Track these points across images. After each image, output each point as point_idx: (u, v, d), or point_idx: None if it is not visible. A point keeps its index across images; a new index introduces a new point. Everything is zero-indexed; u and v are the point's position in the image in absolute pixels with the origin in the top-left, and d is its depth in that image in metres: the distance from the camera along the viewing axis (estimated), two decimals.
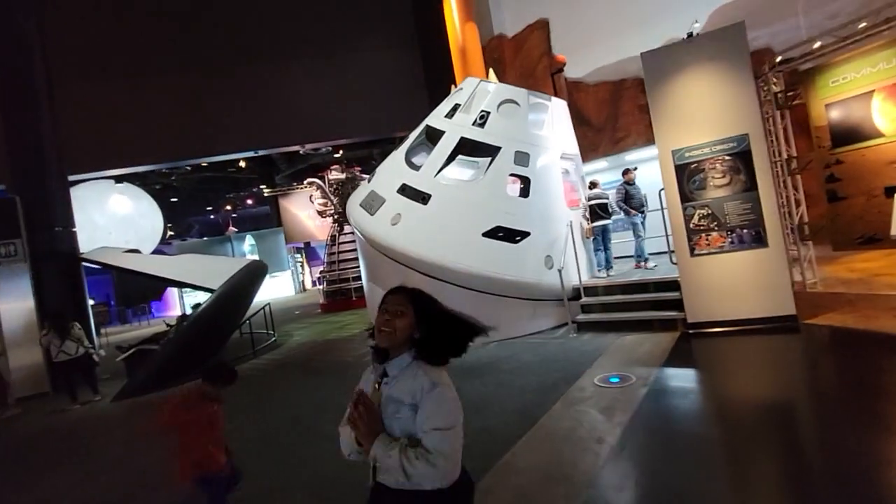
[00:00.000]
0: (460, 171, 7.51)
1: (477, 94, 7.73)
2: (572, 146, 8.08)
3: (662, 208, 6.08)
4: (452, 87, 13.79)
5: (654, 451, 3.14)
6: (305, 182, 15.96)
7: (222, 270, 8.95)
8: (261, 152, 20.97)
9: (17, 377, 8.26)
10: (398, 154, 8.11)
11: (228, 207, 33.73)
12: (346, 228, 15.52)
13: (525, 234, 6.90)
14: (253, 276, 9.61)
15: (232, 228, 32.33)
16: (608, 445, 3.21)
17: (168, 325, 10.16)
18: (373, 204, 7.62)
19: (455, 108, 7.77)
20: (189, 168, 24.43)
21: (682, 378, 4.49)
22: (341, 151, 25.30)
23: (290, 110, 19.18)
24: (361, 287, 14.82)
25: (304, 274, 30.17)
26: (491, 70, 12.87)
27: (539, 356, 5.74)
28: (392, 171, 7.91)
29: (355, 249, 15.28)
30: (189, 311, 10.02)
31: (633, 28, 12.81)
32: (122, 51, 17.51)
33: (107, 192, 20.11)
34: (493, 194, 7.02)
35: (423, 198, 7.13)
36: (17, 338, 8.48)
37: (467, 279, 6.72)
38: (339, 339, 9.78)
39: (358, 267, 14.96)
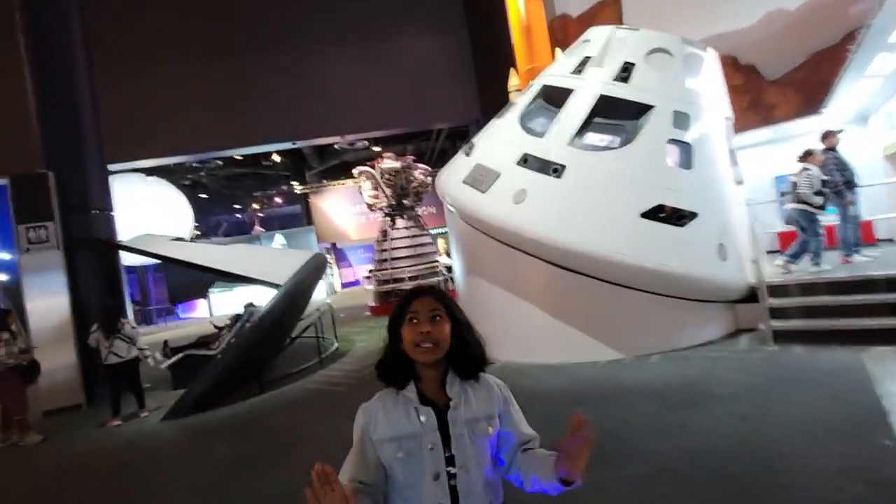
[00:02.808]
0: (598, 136, 5.98)
1: (612, 43, 6.21)
2: (728, 110, 6.51)
3: None
4: (513, 70, 12.31)
5: None
6: (356, 171, 14.56)
7: (285, 263, 7.55)
8: (298, 143, 19.77)
9: (44, 386, 6.81)
10: (507, 120, 6.62)
11: (255, 206, 32.69)
12: (399, 223, 14.10)
13: (692, 216, 5.33)
14: (317, 271, 8.20)
15: (258, 227, 31.26)
16: None
17: (217, 327, 8.79)
18: (482, 179, 6.12)
19: (584, 62, 6.26)
20: (220, 162, 23.35)
21: None
22: (380, 147, 24.04)
23: (328, 100, 17.90)
24: None
25: (333, 275, 28.88)
26: (558, 50, 11.35)
27: (756, 377, 4.15)
28: (504, 139, 6.42)
29: (410, 246, 13.87)
30: (241, 312, 8.64)
31: (717, 3, 11.25)
32: (159, 38, 16.47)
33: (136, 184, 19.02)
34: (650, 164, 5.48)
35: (554, 170, 5.62)
36: (45, 337, 7.12)
37: (622, 273, 5.18)
38: None
39: (414, 266, 13.53)
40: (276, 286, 7.00)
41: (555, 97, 6.37)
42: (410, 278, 13.26)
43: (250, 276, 7.13)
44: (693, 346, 5.35)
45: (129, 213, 17.37)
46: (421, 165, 14.87)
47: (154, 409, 6.36)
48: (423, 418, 1.16)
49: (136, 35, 16.00)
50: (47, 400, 6.95)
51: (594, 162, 5.58)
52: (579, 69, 6.25)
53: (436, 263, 13.95)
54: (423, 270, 13.61)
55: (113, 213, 8.16)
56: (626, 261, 5.09)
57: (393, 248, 13.76)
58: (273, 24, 17.54)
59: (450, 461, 1.14)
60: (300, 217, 30.29)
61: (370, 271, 14.78)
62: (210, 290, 23.42)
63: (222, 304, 22.77)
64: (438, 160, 26.74)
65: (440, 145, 26.74)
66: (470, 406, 1.19)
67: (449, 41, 18.93)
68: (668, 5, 12.37)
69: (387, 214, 14.33)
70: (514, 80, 11.89)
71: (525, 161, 5.90)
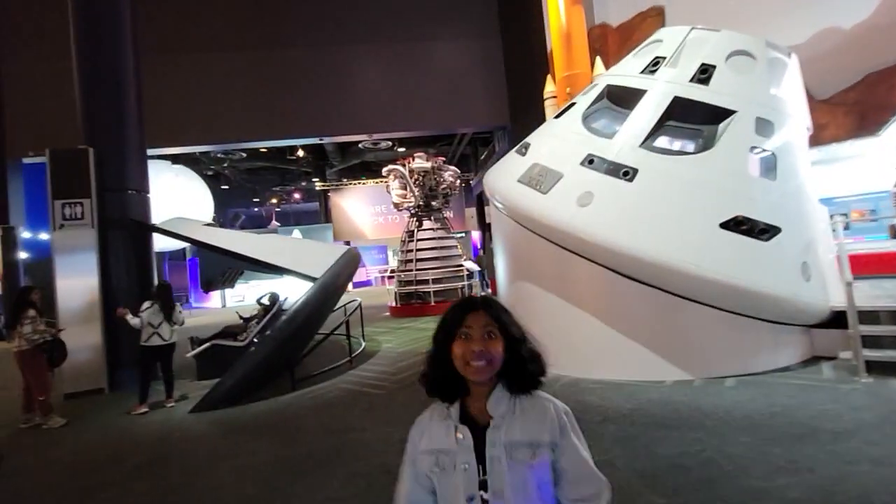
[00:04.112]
0: (669, 140, 5.61)
1: (688, 44, 5.87)
2: (808, 120, 6.12)
3: None
4: (549, 77, 12.00)
5: None
6: (386, 169, 14.31)
7: (320, 256, 7.25)
8: (325, 139, 19.66)
9: (66, 368, 6.37)
10: (568, 120, 6.29)
11: (274, 200, 32.64)
12: (426, 224, 13.79)
13: (774, 230, 4.93)
14: (352, 266, 7.89)
15: (275, 222, 31.18)
16: None
17: (243, 317, 8.51)
18: (542, 179, 5.78)
19: (656, 62, 5.92)
20: (244, 154, 23.29)
21: None
22: (404, 148, 23.84)
23: (359, 99, 17.84)
24: (442, 291, 13.08)
25: None
26: (598, 59, 11.01)
27: (863, 412, 3.71)
28: (565, 139, 6.08)
29: (435, 248, 13.54)
30: (265, 302, 8.35)
31: (767, 19, 10.88)
32: (200, 30, 16.55)
33: (162, 171, 18.92)
34: (731, 172, 5.10)
35: (625, 173, 5.26)
36: (72, 317, 6.87)
37: (697, 286, 4.79)
38: None
39: (438, 268, 13.18)
40: (312, 279, 6.69)
41: (622, 98, 6.04)
42: (434, 280, 12.92)
43: (287, 267, 6.81)
44: (768, 372, 4.93)
45: (153, 199, 17.34)
46: (451, 167, 14.58)
47: (179, 398, 6.07)
48: (459, 436, 1.12)
49: (176, 26, 16.06)
50: (69, 382, 6.70)
51: (670, 166, 5.22)
52: (651, 70, 5.91)
53: (460, 267, 13.60)
54: (448, 273, 13.27)
55: (149, 195, 7.93)
56: (704, 274, 4.70)
57: (418, 250, 13.44)
58: (309, 23, 17.54)
59: (485, 485, 1.08)
60: (317, 214, 30.17)
61: (392, 271, 14.48)
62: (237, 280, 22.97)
63: (236, 296, 22.56)
64: (459, 165, 26.55)
65: (461, 150, 26.54)
66: (513, 428, 1.10)
67: (481, 46, 18.77)
68: (714, 19, 11.99)
69: (413, 215, 14.03)
70: (549, 87, 11.57)
71: (591, 162, 5.55)
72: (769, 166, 5.21)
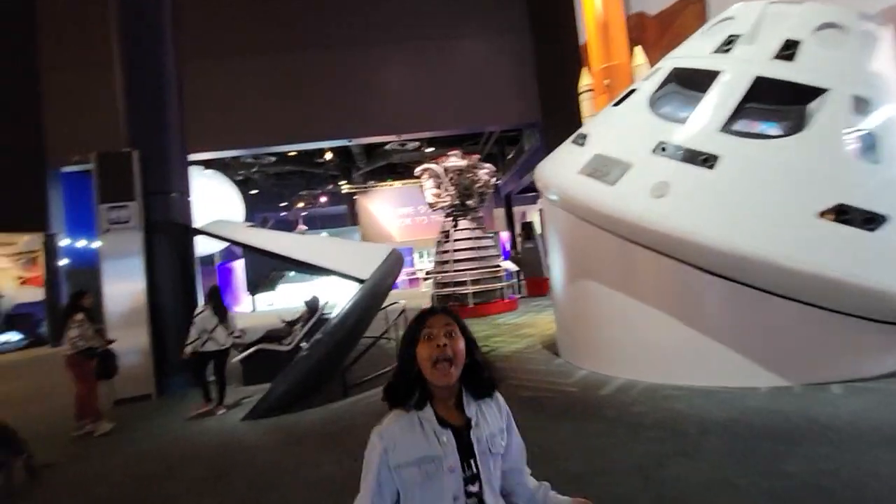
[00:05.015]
0: (750, 123, 5.14)
1: (767, 19, 5.39)
2: None
3: None
4: (584, 69, 11.49)
5: None
6: (419, 169, 14.03)
7: (365, 257, 6.99)
8: (353, 141, 19.60)
9: None
10: (631, 107, 5.88)
11: (301, 204, 32.85)
12: (462, 224, 13.46)
13: (880, 219, 4.42)
14: (398, 268, 7.62)
15: (302, 226, 31.34)
16: None
17: (285, 321, 8.36)
18: (606, 170, 5.38)
19: (730, 40, 5.46)
20: (273, 158, 23.44)
21: None
22: (432, 148, 23.63)
23: (387, 99, 17.72)
24: (480, 292, 12.72)
25: None
26: (638, 48, 10.46)
27: None
28: (630, 126, 5.68)
29: (472, 248, 13.18)
30: (310, 303, 8.17)
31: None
32: (230, 36, 16.70)
33: (195, 176, 19.15)
34: (828, 156, 4.61)
35: (704, 160, 4.83)
36: (119, 322, 6.83)
37: (794, 283, 4.32)
38: (511, 354, 7.44)
39: (476, 269, 12.81)
40: (360, 281, 6.44)
41: (692, 80, 5.59)
42: (472, 282, 12.57)
43: (334, 269, 6.57)
44: (878, 377, 4.42)
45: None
46: (486, 165, 14.21)
47: (232, 405, 5.90)
48: (443, 439, 1.16)
49: (205, 32, 16.19)
50: (118, 388, 6.61)
51: (756, 151, 4.75)
52: (725, 48, 5.45)
53: (499, 268, 13.22)
54: (486, 274, 12.89)
55: (190, 198, 7.84)
56: (802, 268, 4.23)
57: (455, 250, 13.11)
58: (336, 26, 17.52)
59: (466, 481, 1.15)
60: (344, 217, 30.22)
61: (427, 273, 14.20)
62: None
63: (265, 300, 22.62)
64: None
65: (488, 150, 26.18)
66: (487, 423, 1.23)
67: (509, 42, 18.40)
68: None
69: (448, 215, 13.71)
70: (585, 80, 11.10)
71: (663, 150, 5.13)
72: (870, 149, 4.70)
